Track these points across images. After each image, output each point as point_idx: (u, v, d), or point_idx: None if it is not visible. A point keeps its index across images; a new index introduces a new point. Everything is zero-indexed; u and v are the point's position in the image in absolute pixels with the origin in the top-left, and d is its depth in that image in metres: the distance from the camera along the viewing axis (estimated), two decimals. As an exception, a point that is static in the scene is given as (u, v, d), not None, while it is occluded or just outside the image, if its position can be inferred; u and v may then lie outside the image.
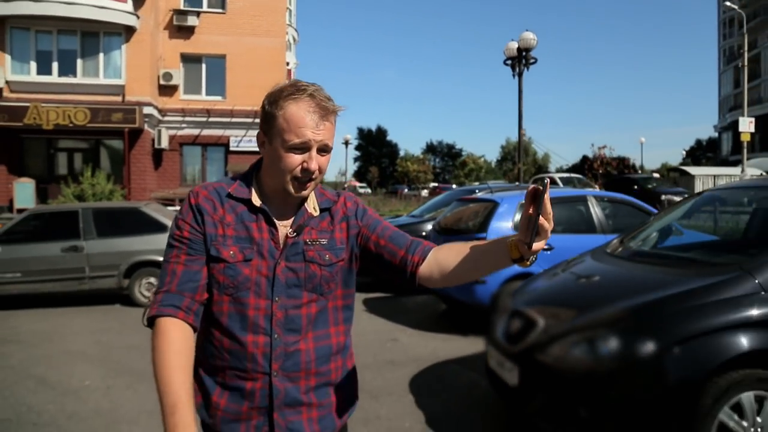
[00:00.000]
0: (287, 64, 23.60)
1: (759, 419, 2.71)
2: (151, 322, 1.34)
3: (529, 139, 53.61)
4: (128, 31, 18.23)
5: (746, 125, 23.34)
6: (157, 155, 19.40)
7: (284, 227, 1.41)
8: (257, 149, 1.44)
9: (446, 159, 78.99)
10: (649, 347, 2.73)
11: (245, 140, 19.89)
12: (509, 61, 13.30)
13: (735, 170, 27.29)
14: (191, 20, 19.59)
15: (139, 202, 9.80)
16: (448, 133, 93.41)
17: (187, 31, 19.79)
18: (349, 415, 1.52)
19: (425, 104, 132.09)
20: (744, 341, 2.71)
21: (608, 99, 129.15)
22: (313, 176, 1.36)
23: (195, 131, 19.89)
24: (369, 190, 49.04)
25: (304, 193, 1.38)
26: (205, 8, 20.08)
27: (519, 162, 13.21)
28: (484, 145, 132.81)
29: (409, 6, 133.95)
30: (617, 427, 2.78)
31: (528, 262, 1.30)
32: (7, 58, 17.51)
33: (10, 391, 4.47)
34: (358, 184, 55.42)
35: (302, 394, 1.40)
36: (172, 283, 1.35)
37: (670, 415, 2.67)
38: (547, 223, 1.21)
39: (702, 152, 67.23)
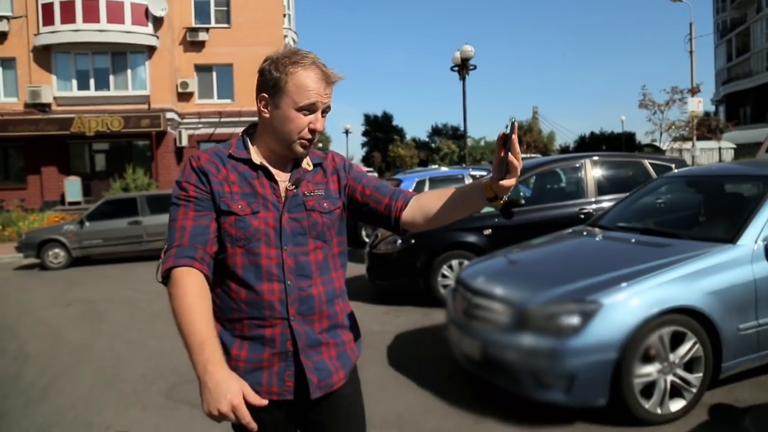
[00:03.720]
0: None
1: (458, 271, 6.25)
2: (166, 279, 1.40)
3: (536, 116, 55.92)
4: (150, 50, 21.76)
5: (695, 105, 26.48)
6: (179, 153, 23.01)
7: (283, 182, 1.51)
8: None
9: (452, 141, 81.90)
10: (412, 240, 6.28)
11: (252, 136, 23.35)
12: (456, 68, 16.60)
13: (712, 144, 29.91)
14: (202, 35, 22.98)
15: (173, 190, 13.54)
16: (454, 116, 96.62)
17: (198, 45, 23.18)
18: (359, 351, 1.65)
19: (429, 86, 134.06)
20: (455, 237, 6.25)
21: (615, 72, 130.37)
22: (317, 136, 1.47)
23: (209, 130, 23.41)
24: (376, 174, 52.64)
25: (306, 152, 1.50)
26: (213, 24, 23.43)
27: (465, 149, 16.57)
28: (490, 124, 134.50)
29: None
30: (401, 277, 6.40)
31: (500, 201, 1.46)
32: (53, 78, 21.25)
33: (120, 293, 8.23)
34: (365, 168, 58.85)
35: (318, 334, 1.51)
36: (183, 237, 1.41)
37: (421, 270, 6.24)
38: (516, 161, 1.34)
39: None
